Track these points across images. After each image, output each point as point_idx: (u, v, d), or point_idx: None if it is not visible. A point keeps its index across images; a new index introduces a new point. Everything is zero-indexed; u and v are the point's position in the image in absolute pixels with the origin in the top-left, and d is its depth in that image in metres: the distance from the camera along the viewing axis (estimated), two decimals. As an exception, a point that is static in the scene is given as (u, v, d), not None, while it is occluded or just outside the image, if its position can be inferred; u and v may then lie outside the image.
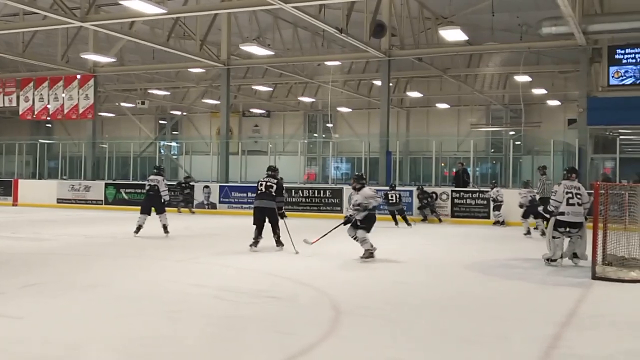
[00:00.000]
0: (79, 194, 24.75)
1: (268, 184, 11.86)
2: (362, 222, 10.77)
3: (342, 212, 20.80)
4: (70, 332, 5.55)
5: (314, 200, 21.46)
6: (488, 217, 18.98)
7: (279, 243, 11.78)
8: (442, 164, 28.72)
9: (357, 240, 10.83)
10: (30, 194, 25.57)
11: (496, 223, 18.52)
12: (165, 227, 13.92)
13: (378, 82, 25.67)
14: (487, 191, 19.02)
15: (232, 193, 22.44)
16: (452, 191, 19.99)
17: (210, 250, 11.76)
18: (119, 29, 19.77)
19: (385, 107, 22.23)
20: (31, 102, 27.14)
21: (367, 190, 10.90)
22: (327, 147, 32.13)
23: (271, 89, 34.35)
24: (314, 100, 35.17)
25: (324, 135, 38.29)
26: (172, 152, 34.01)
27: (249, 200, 21.67)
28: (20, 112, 27.70)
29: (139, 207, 14.31)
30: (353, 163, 31.94)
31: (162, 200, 14.06)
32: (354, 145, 32.30)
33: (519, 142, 30.28)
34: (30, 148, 31.09)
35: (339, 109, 35.40)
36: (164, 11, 16.30)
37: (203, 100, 34.60)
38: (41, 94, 26.85)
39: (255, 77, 31.06)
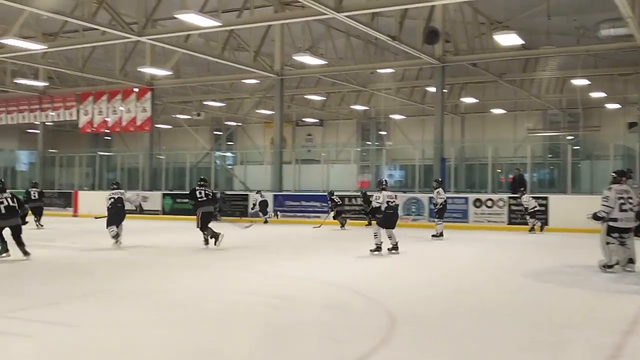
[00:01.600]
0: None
1: (207, 192, 13.85)
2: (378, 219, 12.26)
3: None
4: (124, 341, 5.64)
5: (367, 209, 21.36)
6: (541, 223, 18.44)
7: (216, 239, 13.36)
8: (498, 170, 28.23)
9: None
10: (90, 204, 26.22)
11: (531, 230, 18.14)
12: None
13: (432, 89, 25.46)
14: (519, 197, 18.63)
15: (286, 202, 22.57)
16: (509, 197, 19.64)
17: (264, 259, 11.84)
18: (175, 42, 20.15)
19: (440, 114, 22.01)
20: (91, 115, 27.90)
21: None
22: (380, 155, 31.98)
23: (324, 98, 34.46)
24: (367, 108, 35.12)
25: (377, 143, 38.16)
26: (227, 163, 34.41)
27: (302, 209, 21.76)
28: (80, 126, 28.51)
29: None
30: (407, 170, 31.71)
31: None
32: (408, 152, 32.07)
33: (577, 147, 29.55)
34: (90, 160, 31.92)
35: (392, 116, 35.24)
36: (219, 24, 16.51)
37: (257, 111, 34.94)
38: (100, 108, 27.58)
39: (308, 87, 31.20)
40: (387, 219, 12.28)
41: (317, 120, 39.01)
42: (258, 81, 27.97)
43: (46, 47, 20.24)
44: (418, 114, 35.03)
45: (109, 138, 43.98)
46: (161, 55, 24.92)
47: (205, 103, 35.01)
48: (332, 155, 33.06)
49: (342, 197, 20.70)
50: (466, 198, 20.11)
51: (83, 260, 11.51)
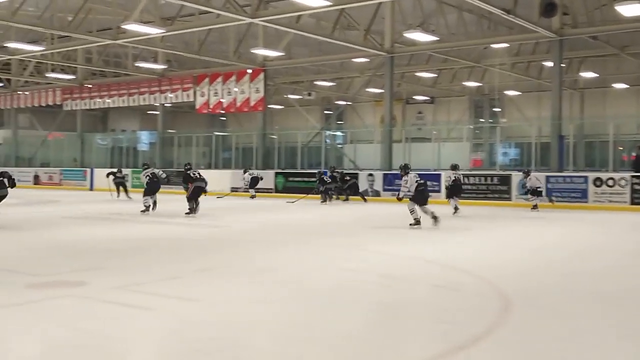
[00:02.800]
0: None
1: (198, 173, 16.21)
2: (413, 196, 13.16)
3: (510, 200, 20.17)
4: (239, 315, 5.81)
5: (480, 188, 20.93)
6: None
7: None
8: (620, 148, 26.81)
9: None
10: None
11: (534, 207, 18.19)
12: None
13: (549, 63, 24.48)
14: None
15: (396, 180, 22.43)
16: (632, 176, 18.64)
17: (374, 237, 11.86)
18: (287, 23, 20.41)
19: (557, 89, 21.15)
20: (206, 97, 28.83)
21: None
22: (494, 133, 31.11)
23: (435, 75, 33.89)
24: (480, 84, 34.26)
25: (490, 120, 37.17)
26: (337, 142, 34.62)
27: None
28: (197, 107, 29.54)
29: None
30: (522, 148, 30.69)
31: None
32: (523, 129, 31.07)
33: None
34: (206, 140, 33.03)
35: (506, 92, 34.22)
36: (330, 3, 16.57)
37: (367, 89, 34.88)
38: (215, 89, 28.43)
39: (419, 64, 30.77)
40: (420, 195, 13.28)
41: (428, 98, 38.46)
42: (368, 60, 27.88)
43: (164, 31, 21.02)
44: (534, 89, 33.80)
45: (224, 118, 45.32)
46: (273, 36, 25.32)
47: (315, 83, 35.33)
48: (444, 133, 32.55)
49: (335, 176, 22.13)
50: (585, 177, 19.27)
51: (200, 237, 11.95)
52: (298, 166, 27.36)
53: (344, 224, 14.72)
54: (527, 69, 30.58)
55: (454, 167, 17.26)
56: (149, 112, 42.70)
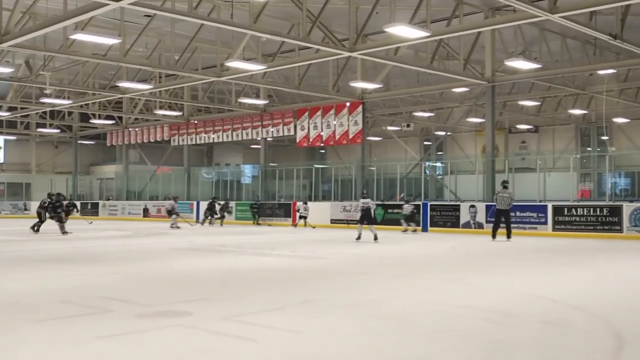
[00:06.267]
0: (351, 214, 26.01)
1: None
2: None
3: (621, 232, 19.24)
4: (338, 348, 5.79)
5: (589, 219, 20.08)
6: None
7: None
8: None
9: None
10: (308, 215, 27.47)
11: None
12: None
13: (661, 89, 23.37)
14: None
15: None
16: None
17: (477, 271, 11.57)
18: (385, 55, 20.52)
19: (671, 116, 20.11)
20: (306, 130, 29.30)
21: None
22: (602, 162, 29.89)
23: (539, 103, 33.03)
24: (586, 112, 33.12)
25: (598, 149, 35.74)
26: (437, 172, 34.24)
27: (517, 220, 20.99)
28: (297, 140, 30.07)
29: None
30: (633, 177, 29.29)
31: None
32: (634, 158, 29.70)
33: None
34: (306, 172, 33.50)
35: (615, 119, 32.86)
36: (428, 34, 16.53)
37: (467, 119, 34.42)
38: (315, 122, 28.86)
39: (522, 92, 30.12)
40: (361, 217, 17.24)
41: (532, 127, 37.52)
42: (468, 89, 27.57)
43: (266, 68, 21.61)
44: (645, 116, 32.33)
45: (323, 151, 45.85)
46: (371, 69, 25.51)
47: (414, 114, 35.22)
48: (549, 162, 31.56)
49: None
50: None
51: (302, 268, 12.06)
52: (397, 197, 27.22)
53: (447, 258, 14.47)
54: (637, 95, 29.30)
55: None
56: (251, 146, 43.86)
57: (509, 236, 18.07)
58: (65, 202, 22.68)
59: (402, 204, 23.61)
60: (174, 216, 26.08)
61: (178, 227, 25.41)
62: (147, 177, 39.87)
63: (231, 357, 5.43)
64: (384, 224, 24.55)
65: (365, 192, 20.14)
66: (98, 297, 8.23)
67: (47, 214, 21.30)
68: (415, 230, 22.85)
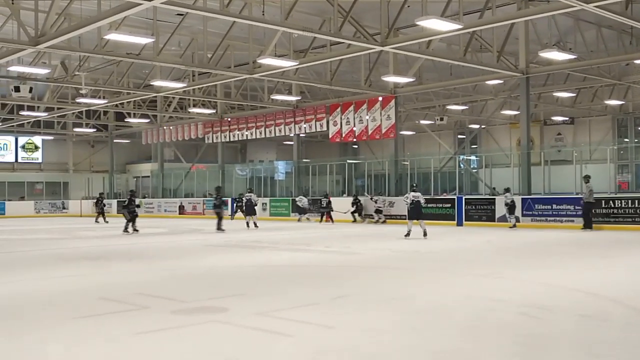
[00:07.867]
0: (384, 209, 25.93)
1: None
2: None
3: (662, 224, 18.86)
4: (372, 343, 5.79)
5: (628, 212, 19.73)
6: None
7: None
8: None
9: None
10: (341, 210, 27.47)
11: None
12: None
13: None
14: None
15: (535, 205, 21.63)
16: None
17: (513, 265, 11.46)
18: (417, 49, 20.38)
19: None
20: (339, 125, 29.29)
21: None
22: (641, 153, 29.36)
23: (574, 95, 32.52)
24: (623, 102, 32.52)
25: (636, 140, 35.08)
26: (471, 166, 33.96)
27: (553, 213, 20.74)
28: (330, 136, 30.07)
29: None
30: (673, 168, 28.70)
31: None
32: (674, 149, 29.08)
33: None
34: (339, 168, 33.49)
35: (653, 110, 32.22)
36: (460, 27, 16.37)
37: (502, 112, 34.06)
38: (347, 118, 28.83)
39: (557, 84, 29.68)
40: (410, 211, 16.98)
41: (567, 119, 36.96)
42: (502, 81, 27.27)
43: (298, 64, 21.64)
44: (684, 105, 31.64)
45: (356, 146, 45.79)
46: (403, 63, 25.38)
47: (447, 107, 34.95)
48: (585, 154, 31.07)
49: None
50: None
51: (337, 263, 12.08)
52: (431, 192, 27.06)
53: (484, 252, 14.36)
54: (677, 83, 28.68)
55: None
56: (284, 142, 44.01)
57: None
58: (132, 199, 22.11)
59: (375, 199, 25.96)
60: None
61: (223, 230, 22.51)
62: (182, 175, 40.26)
63: (266, 351, 5.48)
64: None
65: (415, 185, 19.58)
66: (135, 294, 8.36)
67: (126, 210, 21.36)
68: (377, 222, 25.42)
